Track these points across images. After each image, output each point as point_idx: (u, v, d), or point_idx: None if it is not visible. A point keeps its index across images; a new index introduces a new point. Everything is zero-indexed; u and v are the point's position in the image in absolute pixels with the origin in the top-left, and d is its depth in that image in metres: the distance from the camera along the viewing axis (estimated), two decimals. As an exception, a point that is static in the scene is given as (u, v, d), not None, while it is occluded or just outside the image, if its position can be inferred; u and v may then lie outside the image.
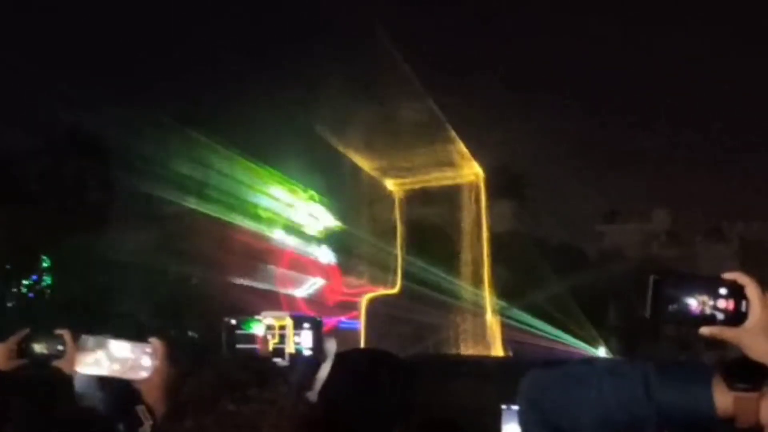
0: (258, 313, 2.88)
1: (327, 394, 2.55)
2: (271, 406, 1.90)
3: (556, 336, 28.62)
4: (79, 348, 2.97)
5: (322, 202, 28.15)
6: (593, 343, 29.27)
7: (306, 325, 2.84)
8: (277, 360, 2.82)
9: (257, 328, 2.86)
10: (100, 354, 2.91)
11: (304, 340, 2.83)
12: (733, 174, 54.47)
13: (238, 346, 2.85)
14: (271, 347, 2.83)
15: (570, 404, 1.71)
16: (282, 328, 2.87)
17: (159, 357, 2.88)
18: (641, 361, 1.74)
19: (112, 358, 2.90)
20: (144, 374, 2.86)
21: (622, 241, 40.97)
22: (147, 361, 2.87)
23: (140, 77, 34.61)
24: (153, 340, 2.91)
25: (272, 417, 1.90)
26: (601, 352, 28.71)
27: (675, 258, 37.03)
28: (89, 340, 2.96)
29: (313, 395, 2.65)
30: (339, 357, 2.80)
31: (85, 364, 2.93)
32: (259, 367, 2.03)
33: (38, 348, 3.51)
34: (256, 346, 2.85)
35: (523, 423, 1.81)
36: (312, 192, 27.84)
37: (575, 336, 28.94)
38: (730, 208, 45.05)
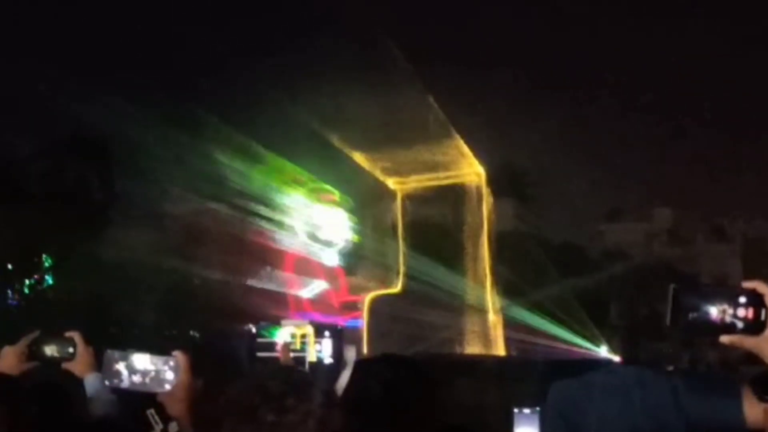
0: (261, 313, 2.87)
1: (354, 402, 2.54)
2: (309, 417, 1.92)
3: (558, 335, 28.64)
4: (104, 362, 2.96)
5: (342, 203, 28.09)
6: (595, 342, 29.24)
7: (327, 333, 2.82)
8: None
9: (278, 336, 2.85)
10: (122, 368, 2.91)
11: (324, 349, 2.82)
12: (734, 172, 54.51)
13: (259, 354, 2.83)
14: (291, 355, 2.82)
15: (598, 414, 1.70)
16: (303, 336, 2.85)
17: (182, 370, 2.88)
18: (667, 371, 1.73)
19: (135, 372, 2.90)
20: (168, 387, 2.86)
21: (623, 240, 40.98)
22: (170, 375, 2.88)
23: (144, 76, 34.60)
24: (177, 353, 2.92)
25: (310, 427, 1.91)
26: (603, 351, 28.69)
27: (677, 257, 37.04)
28: (114, 354, 2.96)
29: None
30: (361, 364, 2.78)
31: (109, 378, 2.92)
32: (295, 378, 2.04)
33: (48, 351, 3.49)
34: (277, 354, 2.83)
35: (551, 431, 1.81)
36: (337, 194, 27.76)
37: (577, 335, 28.94)
38: (731, 207, 45.12)
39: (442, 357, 19.55)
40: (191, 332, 26.66)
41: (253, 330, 2.86)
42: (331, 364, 2.84)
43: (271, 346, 2.87)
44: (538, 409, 3.86)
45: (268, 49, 35.89)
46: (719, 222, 43.28)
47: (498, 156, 42.42)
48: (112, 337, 21.57)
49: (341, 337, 2.88)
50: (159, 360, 2.90)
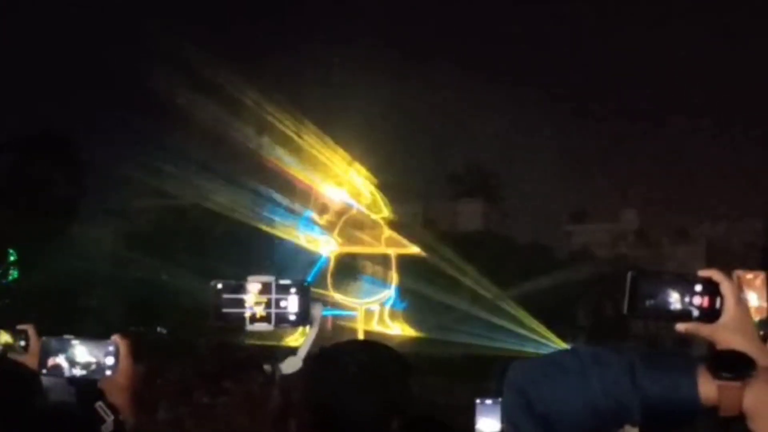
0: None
1: (329, 386, 2.50)
2: (246, 400, 1.89)
3: (523, 335, 28.73)
4: (41, 350, 2.89)
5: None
6: (560, 342, 29.37)
7: (292, 289, 2.80)
8: (263, 325, 2.78)
9: (243, 292, 2.81)
10: (61, 356, 2.84)
11: (290, 305, 2.80)
12: (699, 175, 55.09)
13: (225, 310, 2.79)
14: (257, 312, 2.79)
15: (556, 392, 1.70)
16: (268, 291, 2.84)
17: (122, 356, 2.82)
18: (626, 349, 1.75)
19: (74, 360, 2.85)
20: (108, 373, 2.82)
21: (590, 241, 41.19)
22: (110, 361, 2.82)
23: (111, 73, 34.38)
24: (115, 337, 2.86)
25: (247, 410, 1.88)
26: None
27: (642, 258, 37.27)
28: (51, 341, 2.90)
29: (297, 360, 2.62)
30: (337, 348, 2.75)
31: (47, 367, 2.85)
32: (234, 357, 1.99)
33: (1, 343, 3.44)
34: (244, 310, 2.81)
35: (509, 411, 1.79)
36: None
37: (542, 335, 29.05)
38: (696, 209, 45.62)
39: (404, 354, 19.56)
40: (159, 328, 26.52)
41: (219, 286, 2.79)
42: (295, 321, 2.79)
43: (238, 302, 2.81)
44: (500, 399, 3.84)
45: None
46: (684, 224, 43.76)
47: (466, 156, 42.68)
48: (78, 332, 21.38)
49: (308, 293, 2.82)
50: (98, 346, 2.84)
